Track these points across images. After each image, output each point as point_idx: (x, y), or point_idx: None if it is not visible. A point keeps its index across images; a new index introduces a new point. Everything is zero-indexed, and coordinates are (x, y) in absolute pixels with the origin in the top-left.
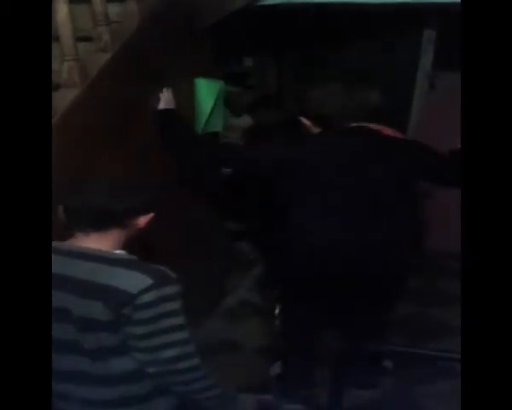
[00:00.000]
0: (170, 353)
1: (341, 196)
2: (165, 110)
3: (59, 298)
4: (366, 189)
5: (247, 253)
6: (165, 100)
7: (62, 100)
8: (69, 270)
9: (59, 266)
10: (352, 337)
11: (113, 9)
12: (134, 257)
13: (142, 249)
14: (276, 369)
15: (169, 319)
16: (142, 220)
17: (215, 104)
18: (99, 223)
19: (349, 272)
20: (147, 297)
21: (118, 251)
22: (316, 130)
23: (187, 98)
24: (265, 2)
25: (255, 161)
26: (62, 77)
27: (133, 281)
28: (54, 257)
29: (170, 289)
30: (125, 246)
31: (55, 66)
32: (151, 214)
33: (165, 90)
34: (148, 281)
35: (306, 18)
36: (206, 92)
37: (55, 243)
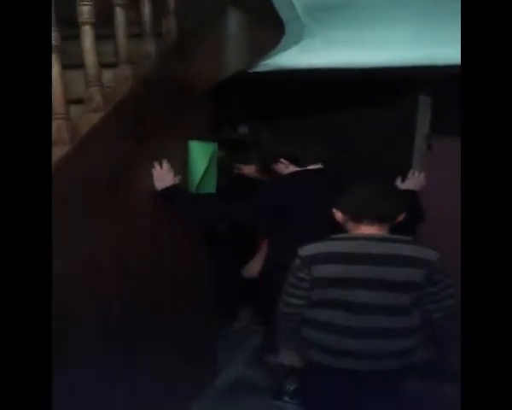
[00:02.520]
0: (450, 302)
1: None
2: (168, 189)
3: (379, 271)
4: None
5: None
6: (161, 177)
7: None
8: (380, 249)
9: (372, 247)
10: None
11: (107, 75)
12: (411, 238)
13: None
14: None
15: (448, 279)
16: (401, 217)
17: (208, 166)
18: (381, 219)
19: None
20: (440, 264)
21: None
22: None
23: (180, 160)
24: (258, 70)
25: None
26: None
27: (429, 253)
28: (361, 242)
29: (442, 257)
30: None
31: None
32: (404, 214)
33: (157, 166)
34: (436, 253)
35: (301, 84)
36: (200, 154)
37: (350, 234)
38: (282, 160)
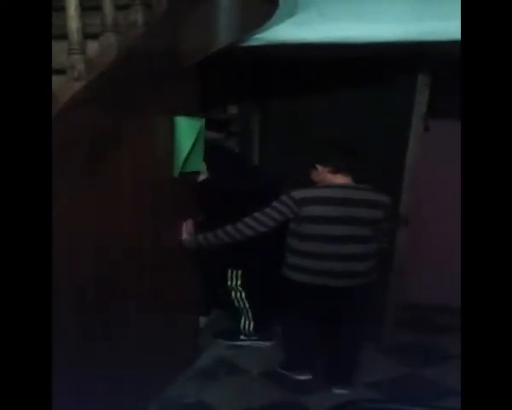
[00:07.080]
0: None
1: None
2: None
3: (353, 211)
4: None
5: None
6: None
7: None
8: (353, 194)
9: (347, 193)
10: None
11: (92, 47)
12: (371, 186)
13: None
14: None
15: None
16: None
17: (195, 143)
18: (353, 170)
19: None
20: (390, 206)
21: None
22: None
23: (166, 135)
24: (250, 44)
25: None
26: None
27: (385, 198)
28: (339, 189)
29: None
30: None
31: None
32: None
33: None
34: (388, 197)
35: (295, 59)
36: (187, 131)
37: (329, 183)
38: None
